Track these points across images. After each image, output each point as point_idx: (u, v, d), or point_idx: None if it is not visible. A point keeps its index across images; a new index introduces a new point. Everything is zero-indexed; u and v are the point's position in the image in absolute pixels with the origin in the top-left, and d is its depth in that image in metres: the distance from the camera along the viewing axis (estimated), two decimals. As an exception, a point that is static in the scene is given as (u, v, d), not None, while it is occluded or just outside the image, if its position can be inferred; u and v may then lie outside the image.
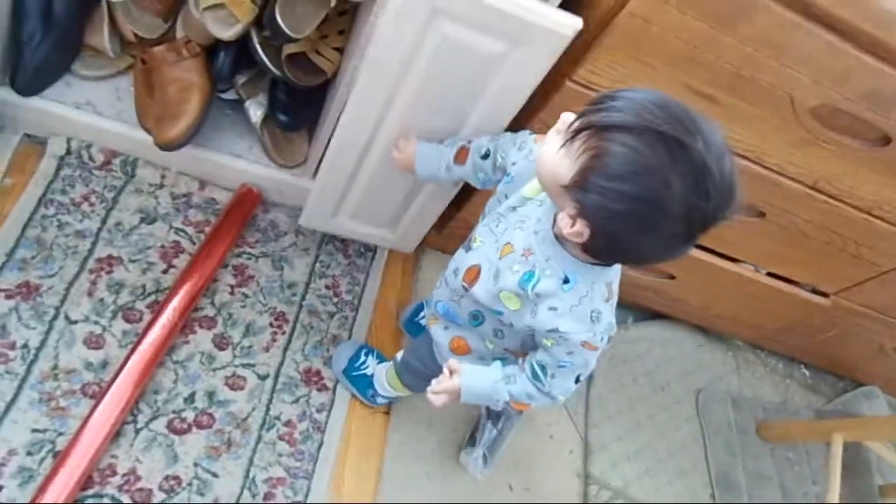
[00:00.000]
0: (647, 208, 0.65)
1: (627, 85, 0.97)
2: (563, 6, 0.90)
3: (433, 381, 0.92)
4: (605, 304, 0.82)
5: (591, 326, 0.80)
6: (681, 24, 0.88)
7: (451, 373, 0.90)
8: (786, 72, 0.94)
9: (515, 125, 1.04)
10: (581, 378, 0.86)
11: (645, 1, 0.86)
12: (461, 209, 1.30)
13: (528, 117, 1.06)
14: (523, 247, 0.82)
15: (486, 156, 0.96)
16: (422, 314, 1.34)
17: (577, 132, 0.68)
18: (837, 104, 0.98)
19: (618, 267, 0.83)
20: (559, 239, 0.78)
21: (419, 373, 1.09)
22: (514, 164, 0.91)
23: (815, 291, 1.47)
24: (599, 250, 0.75)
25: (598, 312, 0.80)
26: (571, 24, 0.87)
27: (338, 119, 1.06)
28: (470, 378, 0.89)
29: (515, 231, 0.84)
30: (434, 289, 1.01)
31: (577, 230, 0.70)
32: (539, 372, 0.86)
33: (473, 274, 0.88)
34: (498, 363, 0.92)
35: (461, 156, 0.99)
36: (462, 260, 0.91)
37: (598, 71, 0.96)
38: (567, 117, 0.71)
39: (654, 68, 0.94)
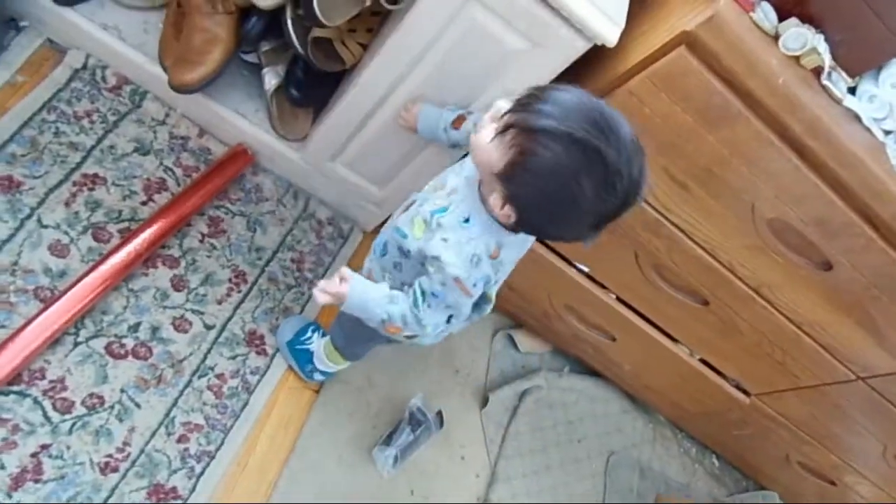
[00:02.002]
0: (563, 203, 0.78)
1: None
2: (573, 65, 0.98)
3: (321, 282, 0.98)
4: (487, 258, 0.91)
5: (468, 267, 0.89)
6: (670, 112, 0.96)
7: (342, 280, 0.97)
8: (753, 180, 1.02)
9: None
10: (453, 320, 0.95)
11: (643, 84, 0.94)
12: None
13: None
14: (452, 187, 0.93)
15: None
16: None
17: (507, 128, 0.78)
18: (791, 221, 1.07)
19: (518, 237, 0.92)
20: (482, 195, 0.88)
21: (345, 325, 1.16)
22: None
23: (738, 387, 1.56)
24: (523, 228, 0.88)
25: (478, 259, 0.90)
26: (587, 39, 0.95)
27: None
28: (357, 287, 0.96)
29: (451, 175, 0.96)
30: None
31: (506, 213, 0.83)
32: (419, 297, 0.93)
33: (408, 205, 0.99)
34: (385, 284, 0.99)
35: (458, 122, 1.07)
36: (412, 196, 1.01)
37: (589, 133, 1.03)
38: (500, 105, 0.82)
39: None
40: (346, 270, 0.98)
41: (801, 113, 0.91)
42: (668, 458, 1.88)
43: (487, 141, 0.80)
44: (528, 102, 0.78)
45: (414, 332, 0.96)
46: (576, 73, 1.00)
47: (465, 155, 0.98)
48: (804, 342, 1.30)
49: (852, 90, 0.97)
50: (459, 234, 0.88)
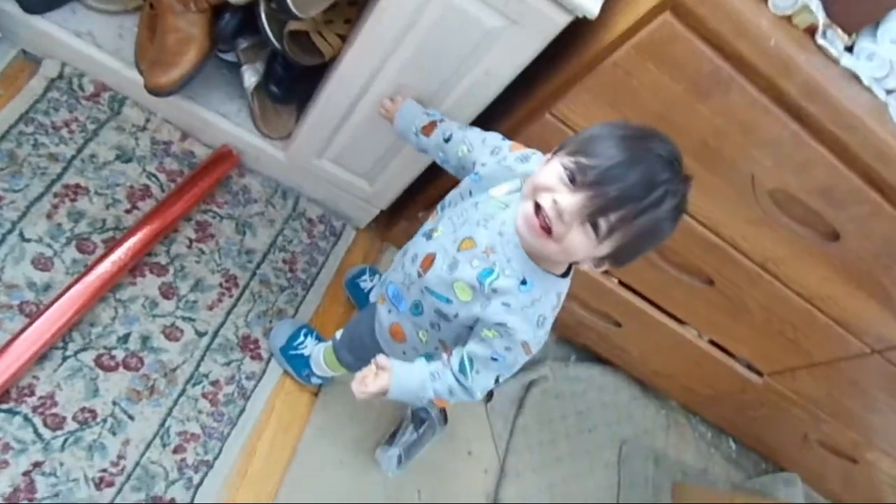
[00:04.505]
0: (653, 242, 0.82)
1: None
2: (556, 42, 0.94)
3: (358, 375, 0.93)
4: (551, 313, 0.87)
5: (535, 330, 0.86)
6: (659, 83, 0.92)
7: (379, 370, 0.92)
8: (750, 150, 0.98)
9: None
10: (500, 379, 0.91)
11: (629, 55, 0.90)
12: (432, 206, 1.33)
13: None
14: (486, 245, 0.86)
15: (448, 139, 1.00)
16: (364, 277, 1.39)
17: (595, 216, 0.75)
18: (794, 192, 1.02)
19: (569, 279, 0.89)
20: (524, 245, 0.84)
21: (356, 350, 1.12)
22: (483, 164, 0.94)
23: (750, 368, 1.51)
24: (620, 265, 0.86)
25: (544, 318, 0.86)
26: (565, 14, 0.91)
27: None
28: (399, 376, 0.91)
29: (479, 229, 0.88)
30: (389, 270, 1.04)
31: (602, 268, 0.84)
32: (467, 364, 0.89)
33: (429, 261, 0.91)
34: (422, 359, 0.94)
35: (429, 128, 1.03)
36: (421, 247, 0.95)
37: (576, 109, 1.00)
38: (539, 180, 0.79)
39: (628, 119, 0.98)
40: (382, 359, 0.92)
41: (797, 76, 0.87)
42: (682, 444, 1.84)
43: (576, 243, 0.78)
44: (595, 180, 0.75)
45: (461, 400, 0.92)
46: (558, 48, 0.96)
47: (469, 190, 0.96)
48: (815, 317, 1.26)
49: (849, 49, 0.92)
50: (521, 298, 0.84)
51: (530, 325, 0.85)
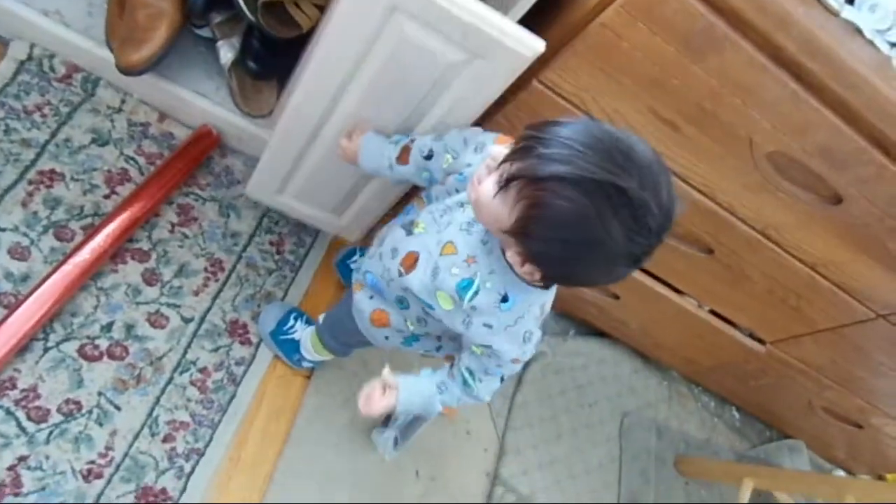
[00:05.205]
0: (590, 252, 0.67)
1: (590, 95, 0.96)
2: (539, 6, 0.89)
3: (364, 390, 0.92)
4: (536, 324, 0.84)
5: (521, 346, 0.83)
6: (650, 44, 0.87)
7: (386, 389, 0.91)
8: (748, 112, 0.93)
9: (479, 119, 1.02)
10: (505, 378, 0.90)
11: (618, 15, 0.85)
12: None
13: (494, 111, 1.04)
14: (468, 253, 0.81)
15: (429, 156, 0.93)
16: (355, 257, 1.34)
17: (510, 180, 0.67)
18: (794, 154, 0.98)
19: (553, 289, 0.84)
20: (506, 256, 0.79)
21: (339, 335, 1.09)
22: (468, 165, 0.88)
23: (752, 337, 1.48)
24: (549, 282, 0.80)
25: (530, 333, 0.83)
26: (533, 45, 0.84)
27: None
28: (406, 393, 0.91)
29: (461, 234, 0.83)
30: (367, 257, 1.00)
31: (528, 270, 0.74)
32: (469, 378, 0.88)
33: (411, 260, 0.86)
34: (428, 372, 0.93)
35: (403, 156, 0.96)
36: (402, 241, 0.90)
37: (565, 76, 0.95)
38: (497, 152, 0.71)
39: (620, 84, 0.94)
40: (388, 377, 0.90)
41: (795, 30, 0.82)
42: (685, 414, 1.82)
43: (490, 198, 0.70)
44: (527, 146, 0.67)
45: (472, 404, 0.92)
46: (542, 11, 0.91)
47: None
48: (818, 283, 1.22)
49: (850, 0, 0.87)
50: (502, 317, 0.80)
51: (516, 343, 0.82)
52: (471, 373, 0.88)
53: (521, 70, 0.87)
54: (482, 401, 0.91)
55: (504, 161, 0.69)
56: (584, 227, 0.64)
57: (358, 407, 0.93)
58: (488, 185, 0.71)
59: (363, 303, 0.98)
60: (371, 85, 0.93)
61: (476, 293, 0.79)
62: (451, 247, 0.83)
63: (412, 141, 0.96)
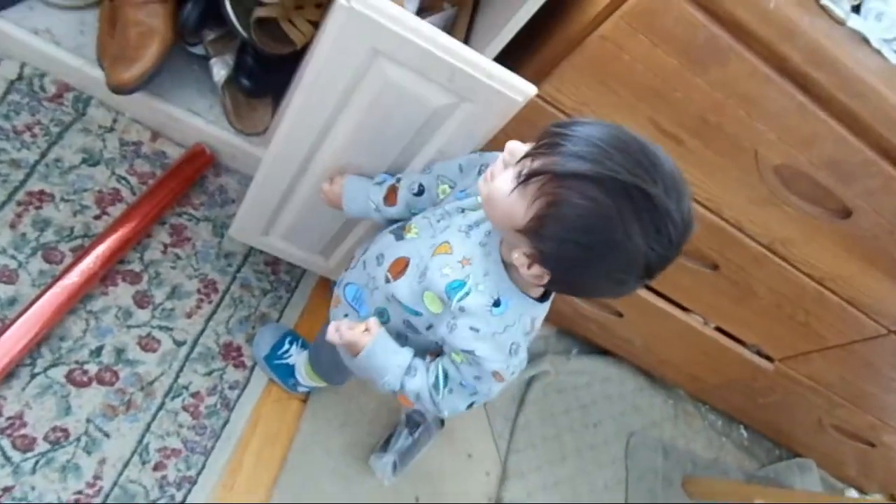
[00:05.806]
0: (607, 257, 0.64)
1: (590, 109, 0.94)
2: (537, 19, 0.87)
3: (344, 322, 0.85)
4: (524, 338, 0.79)
5: (507, 358, 0.78)
6: (652, 56, 0.85)
7: (366, 330, 0.83)
8: (753, 124, 0.91)
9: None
10: (475, 405, 0.83)
11: (618, 27, 0.83)
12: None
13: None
14: (464, 254, 0.78)
15: (420, 192, 0.90)
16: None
17: (531, 176, 0.65)
18: (801, 167, 0.96)
19: (547, 304, 0.80)
20: (504, 261, 0.76)
21: (327, 361, 1.06)
22: (467, 187, 0.86)
23: (760, 354, 1.45)
24: (555, 288, 0.76)
25: (517, 346, 0.78)
26: (524, 89, 0.81)
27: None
28: (378, 346, 0.82)
29: (459, 235, 0.80)
30: (348, 269, 0.96)
31: (535, 273, 0.70)
32: (441, 380, 0.81)
33: (400, 266, 0.83)
34: (410, 351, 0.85)
35: (391, 197, 0.92)
36: (390, 247, 0.86)
37: (564, 89, 0.93)
38: (514, 147, 0.69)
39: (620, 97, 0.92)
40: (374, 322, 0.84)
41: (800, 40, 0.80)
42: (692, 433, 1.78)
43: (506, 193, 0.67)
44: (552, 143, 0.64)
45: (426, 410, 0.84)
46: (541, 24, 0.89)
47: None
48: (827, 299, 1.19)
49: (856, 9, 0.85)
50: (491, 322, 0.75)
51: (501, 353, 0.77)
52: (445, 378, 0.81)
53: (513, 113, 0.84)
54: (440, 412, 0.83)
55: (525, 157, 0.67)
56: (604, 228, 0.62)
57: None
58: (504, 181, 0.68)
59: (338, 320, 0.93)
60: (356, 129, 0.89)
61: (467, 294, 0.76)
62: (447, 246, 0.79)
63: (398, 180, 0.92)
